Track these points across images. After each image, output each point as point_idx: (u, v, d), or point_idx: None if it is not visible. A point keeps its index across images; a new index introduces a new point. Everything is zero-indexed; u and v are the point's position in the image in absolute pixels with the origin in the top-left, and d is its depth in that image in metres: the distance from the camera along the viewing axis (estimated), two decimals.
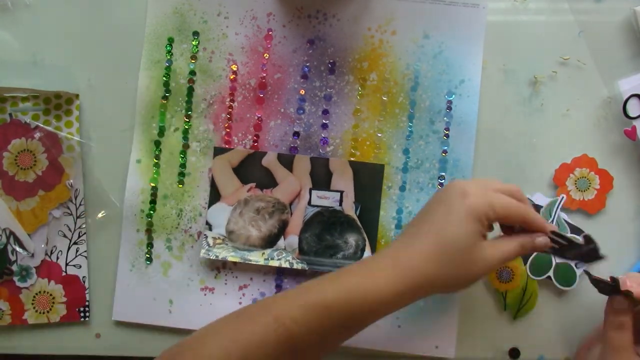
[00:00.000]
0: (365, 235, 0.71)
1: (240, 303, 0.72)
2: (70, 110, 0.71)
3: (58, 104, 0.71)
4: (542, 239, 0.61)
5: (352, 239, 0.70)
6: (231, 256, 0.70)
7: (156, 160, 0.72)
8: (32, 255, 0.71)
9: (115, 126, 0.72)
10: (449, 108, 0.71)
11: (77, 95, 0.71)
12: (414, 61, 0.71)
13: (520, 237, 0.61)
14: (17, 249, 0.70)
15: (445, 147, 0.71)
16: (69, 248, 0.71)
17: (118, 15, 0.73)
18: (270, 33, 0.72)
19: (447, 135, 0.71)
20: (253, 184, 0.71)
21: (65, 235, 0.71)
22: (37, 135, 0.70)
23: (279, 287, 0.72)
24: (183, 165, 0.72)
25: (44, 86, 0.71)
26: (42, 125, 0.70)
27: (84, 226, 0.71)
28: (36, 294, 0.71)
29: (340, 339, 0.57)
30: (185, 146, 0.72)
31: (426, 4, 0.71)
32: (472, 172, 0.71)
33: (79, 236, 0.71)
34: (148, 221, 0.72)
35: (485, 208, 0.57)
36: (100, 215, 0.72)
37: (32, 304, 0.71)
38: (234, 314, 0.57)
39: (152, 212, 0.72)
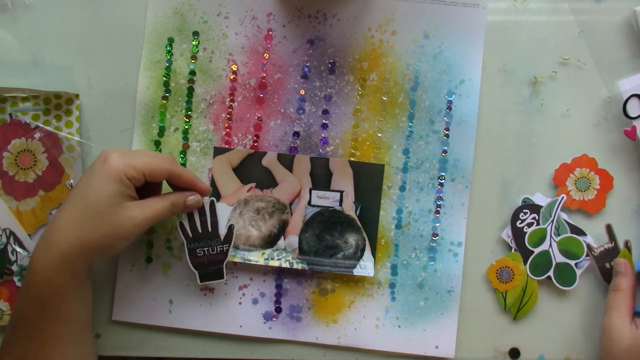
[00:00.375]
0: (365, 235, 0.71)
1: (240, 303, 0.72)
2: (70, 110, 0.71)
3: (58, 104, 0.71)
4: (194, 197, 0.65)
5: (352, 239, 0.71)
6: (231, 256, 0.71)
7: None
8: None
9: (115, 126, 0.72)
10: (449, 108, 0.71)
11: (77, 95, 0.71)
12: (414, 61, 0.72)
13: (173, 195, 0.64)
14: (18, 249, 0.70)
15: (445, 147, 0.71)
16: None
17: (118, 15, 0.73)
18: (270, 33, 0.72)
19: (447, 135, 0.71)
20: (253, 184, 0.72)
21: None
22: (37, 135, 0.70)
23: (278, 287, 0.72)
24: (183, 165, 0.72)
25: (44, 86, 0.71)
26: (42, 126, 0.70)
27: None
28: None
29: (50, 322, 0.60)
30: (185, 146, 0.72)
31: (426, 4, 0.71)
32: (472, 172, 0.71)
33: None
34: None
35: (125, 167, 0.59)
36: None
37: None
38: None
39: None
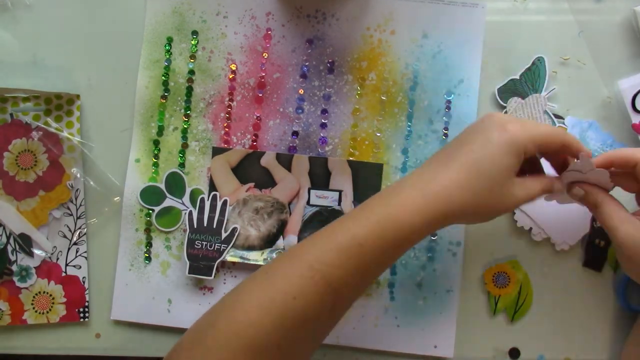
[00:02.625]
0: None
1: None
2: (71, 110, 0.72)
3: (59, 104, 0.72)
4: (559, 185, 0.61)
5: None
6: (230, 256, 0.72)
7: (155, 160, 0.73)
8: (33, 256, 0.72)
9: (115, 126, 0.73)
10: (448, 108, 0.72)
11: (77, 96, 0.72)
12: (413, 61, 0.72)
13: (545, 178, 0.61)
14: (37, 251, 0.71)
15: None
16: (69, 248, 0.72)
17: (117, 15, 0.73)
18: (269, 32, 0.73)
19: (446, 135, 0.72)
20: (252, 184, 0.72)
21: (65, 236, 0.72)
22: (38, 135, 0.71)
23: None
24: (182, 165, 0.73)
25: (44, 86, 0.72)
26: (42, 126, 0.71)
27: (84, 227, 0.72)
28: (36, 294, 0.72)
29: (377, 273, 0.57)
30: (184, 145, 0.73)
31: (425, 4, 0.72)
32: None
33: (79, 237, 0.72)
34: (147, 220, 0.73)
35: (525, 141, 0.56)
36: (100, 215, 0.73)
37: (32, 304, 0.72)
38: (262, 272, 0.57)
39: (151, 211, 0.73)
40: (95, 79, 0.73)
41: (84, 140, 0.72)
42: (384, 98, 0.72)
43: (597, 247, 0.72)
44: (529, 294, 0.72)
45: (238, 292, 0.56)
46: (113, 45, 0.73)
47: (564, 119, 0.72)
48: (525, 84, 0.72)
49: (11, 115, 0.71)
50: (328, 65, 0.73)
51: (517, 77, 0.72)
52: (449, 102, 0.72)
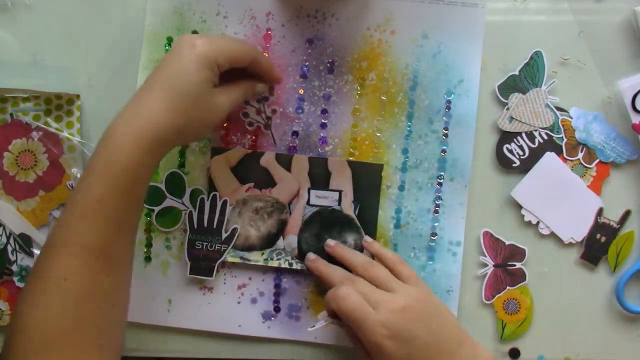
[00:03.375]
0: (364, 235, 0.72)
1: (238, 302, 0.73)
2: (71, 110, 0.72)
3: (59, 104, 0.72)
4: (262, 85, 0.68)
5: (351, 238, 0.72)
6: (230, 256, 0.72)
7: None
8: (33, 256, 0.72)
9: None
10: (448, 108, 0.72)
11: (78, 96, 0.72)
12: (413, 61, 0.73)
13: (245, 82, 0.66)
14: (37, 251, 0.72)
15: (444, 147, 0.72)
16: None
17: (117, 15, 0.74)
18: (269, 32, 0.73)
19: (446, 135, 0.72)
20: (251, 184, 0.73)
21: None
22: (38, 135, 0.72)
23: (277, 287, 0.73)
24: (182, 165, 0.73)
25: (44, 86, 0.72)
26: (42, 126, 0.71)
27: None
28: None
29: (131, 219, 0.60)
30: (184, 145, 0.73)
31: (425, 4, 0.72)
32: (471, 172, 0.72)
33: None
34: (147, 220, 0.73)
35: (214, 54, 0.59)
36: None
37: None
38: (34, 271, 0.59)
39: (151, 211, 0.73)
40: (95, 79, 0.74)
41: (84, 141, 0.73)
42: (384, 98, 0.73)
43: (597, 242, 0.72)
44: (529, 316, 0.73)
45: (19, 312, 0.57)
46: (113, 45, 0.74)
47: (567, 111, 0.72)
48: (525, 79, 0.72)
49: (11, 115, 0.72)
50: (328, 65, 0.73)
51: (517, 73, 0.72)
52: (449, 102, 0.72)
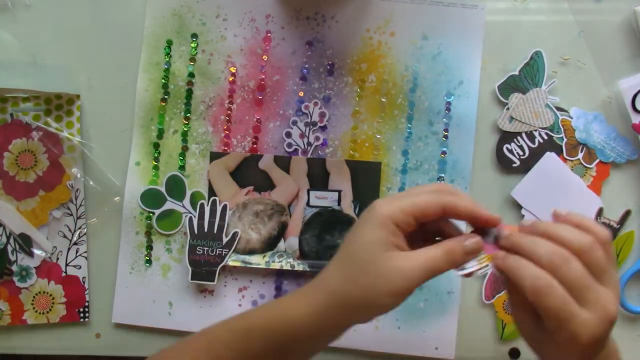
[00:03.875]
0: None
1: (239, 305, 0.73)
2: (71, 110, 0.72)
3: (59, 104, 0.72)
4: (473, 241, 0.52)
5: None
6: (232, 261, 0.72)
7: (155, 163, 0.73)
8: (33, 256, 0.73)
9: (115, 126, 0.74)
10: (448, 109, 0.73)
11: (78, 96, 0.72)
12: (412, 62, 0.73)
13: (448, 242, 0.53)
14: (37, 251, 0.72)
15: (445, 149, 0.73)
16: (69, 249, 0.73)
17: (117, 17, 0.74)
18: (269, 35, 0.73)
19: (446, 137, 0.73)
20: (250, 187, 0.73)
21: (65, 236, 0.73)
22: (38, 135, 0.72)
23: (278, 289, 0.73)
24: (182, 168, 0.73)
25: (44, 86, 0.72)
26: (43, 126, 0.72)
27: (84, 227, 0.73)
28: (36, 294, 0.73)
29: None
30: (185, 148, 0.73)
31: (425, 6, 0.72)
32: (471, 173, 0.73)
33: (79, 237, 0.73)
34: (147, 223, 0.74)
35: (391, 212, 0.52)
36: (100, 215, 0.74)
37: (32, 304, 0.73)
38: (178, 343, 0.58)
39: (151, 214, 0.73)
40: (95, 79, 0.74)
41: (84, 141, 0.73)
42: (383, 100, 0.73)
43: None
44: None
45: None
46: (113, 46, 0.74)
47: (567, 111, 0.72)
48: (525, 79, 0.72)
49: (11, 115, 0.72)
50: (328, 67, 0.73)
51: (517, 73, 0.72)
52: (449, 103, 0.73)
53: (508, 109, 0.72)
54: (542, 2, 0.74)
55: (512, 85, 0.72)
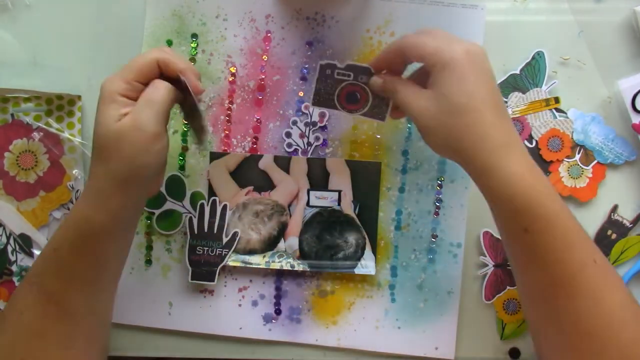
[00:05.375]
0: (365, 234, 0.73)
1: (239, 305, 0.74)
2: (72, 111, 0.73)
3: (60, 105, 0.73)
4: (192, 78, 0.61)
5: (352, 238, 0.73)
6: (232, 261, 0.73)
7: None
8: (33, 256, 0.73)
9: None
10: None
11: (79, 97, 0.73)
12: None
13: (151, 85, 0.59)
14: (36, 252, 0.73)
15: None
16: None
17: (117, 17, 0.74)
18: (268, 35, 0.74)
19: None
20: (250, 188, 0.73)
21: None
22: (39, 136, 0.72)
23: (278, 289, 0.74)
24: (182, 168, 0.74)
25: (44, 87, 0.73)
26: (43, 126, 0.72)
27: None
28: None
29: (89, 273, 0.59)
30: (185, 148, 0.74)
31: (425, 6, 0.73)
32: None
33: None
34: (147, 224, 0.74)
35: (114, 85, 0.56)
36: None
37: None
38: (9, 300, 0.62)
39: (151, 214, 0.74)
40: (96, 80, 0.74)
41: (85, 141, 0.73)
42: None
43: (608, 238, 0.73)
44: None
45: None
46: (113, 47, 0.74)
47: (566, 112, 0.73)
48: (526, 78, 0.73)
49: (12, 115, 0.72)
50: None
51: (517, 72, 0.73)
52: None
53: (507, 107, 0.73)
54: (542, 2, 0.74)
55: (512, 84, 0.73)
